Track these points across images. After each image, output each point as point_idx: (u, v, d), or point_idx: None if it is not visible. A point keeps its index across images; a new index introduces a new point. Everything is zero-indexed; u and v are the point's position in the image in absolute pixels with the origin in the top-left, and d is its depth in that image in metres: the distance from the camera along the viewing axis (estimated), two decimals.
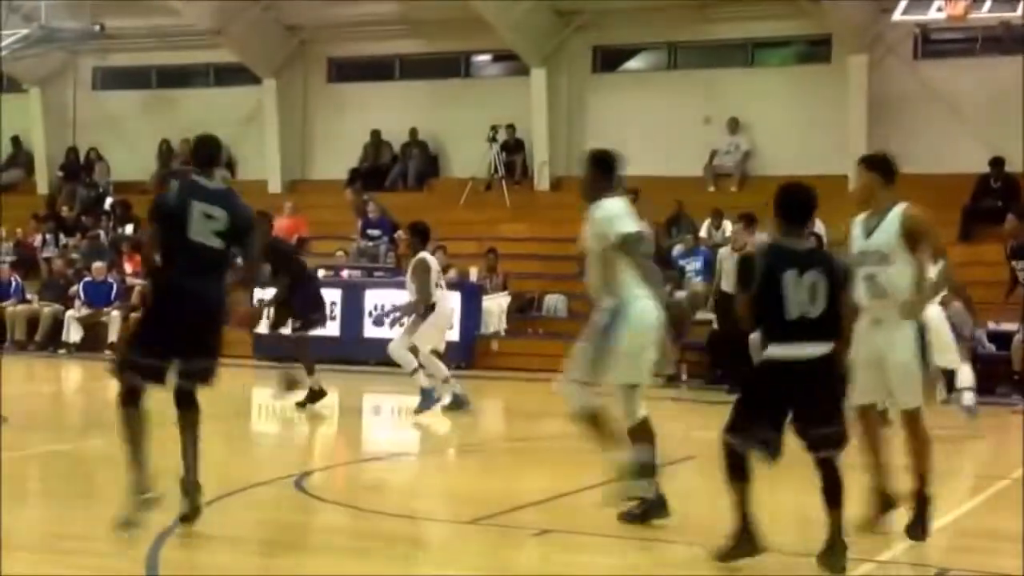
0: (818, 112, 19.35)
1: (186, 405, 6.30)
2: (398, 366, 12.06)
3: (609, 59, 21.36)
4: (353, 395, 14.01)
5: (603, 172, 6.82)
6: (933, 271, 6.79)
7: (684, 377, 15.36)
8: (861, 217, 6.61)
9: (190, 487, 6.31)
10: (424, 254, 11.95)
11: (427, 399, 11.80)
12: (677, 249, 17.58)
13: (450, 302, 12.64)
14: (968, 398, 11.04)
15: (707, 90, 20.05)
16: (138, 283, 19.39)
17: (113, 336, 18.41)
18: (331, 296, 16.34)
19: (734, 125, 19.81)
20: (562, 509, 7.66)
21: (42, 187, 24.04)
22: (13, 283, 19.71)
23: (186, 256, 6.09)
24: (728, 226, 17.60)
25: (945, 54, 19.52)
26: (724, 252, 15.32)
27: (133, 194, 22.35)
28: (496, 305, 17.61)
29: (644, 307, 6.70)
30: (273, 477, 8.54)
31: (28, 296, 19.72)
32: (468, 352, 17.06)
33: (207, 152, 6.58)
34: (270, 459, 10.42)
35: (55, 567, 5.91)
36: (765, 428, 5.83)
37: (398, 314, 12.35)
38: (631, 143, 20.16)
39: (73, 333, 18.80)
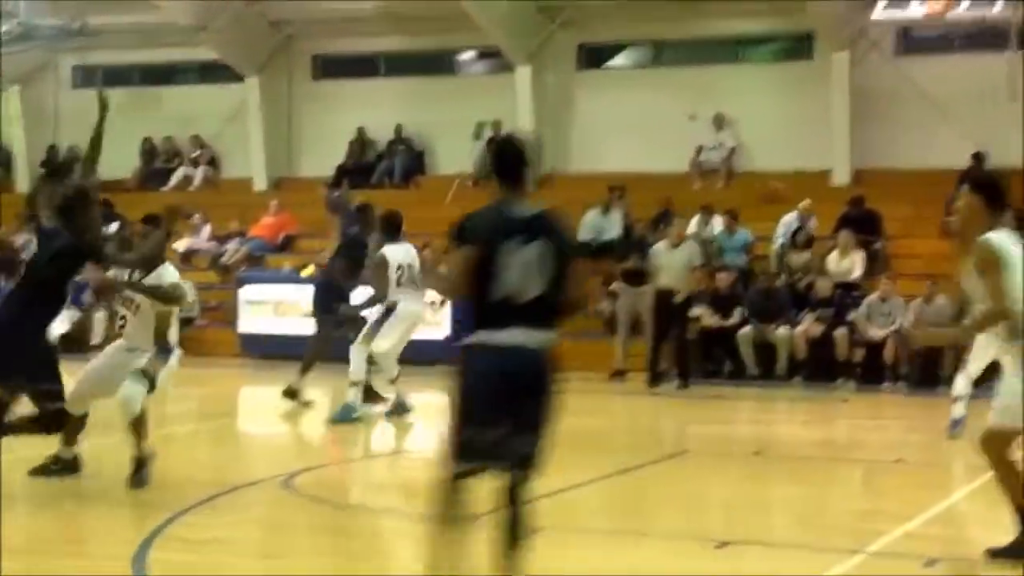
0: (802, 108, 19.39)
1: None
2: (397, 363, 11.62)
3: (594, 56, 21.36)
4: (344, 393, 13.94)
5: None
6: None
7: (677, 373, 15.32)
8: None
9: None
10: (385, 249, 11.08)
11: (347, 411, 11.13)
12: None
13: (416, 302, 11.24)
14: None
15: (692, 87, 20.08)
16: None
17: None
18: None
19: (720, 121, 19.85)
20: (556, 506, 7.65)
21: (22, 186, 23.90)
22: None
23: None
24: (718, 222, 17.62)
25: (926, 50, 19.58)
26: (661, 247, 15.03)
27: (115, 193, 22.25)
28: None
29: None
30: (263, 477, 8.53)
31: None
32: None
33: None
34: (260, 459, 10.40)
35: (44, 569, 5.89)
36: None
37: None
38: (617, 140, 20.34)
39: (57, 330, 18.60)
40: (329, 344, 12.17)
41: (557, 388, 4.83)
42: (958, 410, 10.62)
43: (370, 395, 11.70)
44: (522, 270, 4.73)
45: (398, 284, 10.95)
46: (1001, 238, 5.96)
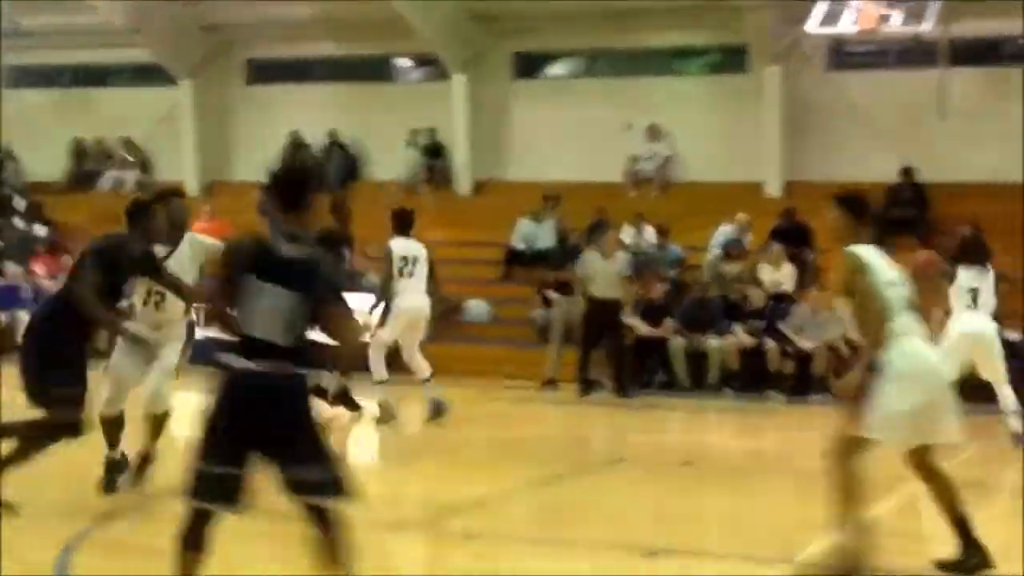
0: (735, 121, 19.59)
1: None
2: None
3: (530, 65, 21.44)
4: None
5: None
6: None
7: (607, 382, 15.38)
8: None
9: None
10: (391, 242, 11.63)
11: (438, 408, 11.67)
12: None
13: (416, 297, 11.65)
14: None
15: (627, 97, 20.21)
16: (50, 284, 19.06)
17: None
18: None
19: (654, 132, 20.00)
20: (488, 513, 7.69)
21: None
22: None
23: None
24: (649, 231, 17.76)
25: (858, 66, 19.88)
26: (592, 256, 15.01)
27: (47, 194, 21.97)
28: None
29: None
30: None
31: None
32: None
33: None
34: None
35: None
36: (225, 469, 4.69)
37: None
38: (552, 149, 20.41)
39: None
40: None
41: (310, 417, 4.73)
42: None
43: (347, 402, 11.82)
44: (270, 312, 4.67)
45: (399, 275, 11.47)
46: (866, 249, 6.19)
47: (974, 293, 11.11)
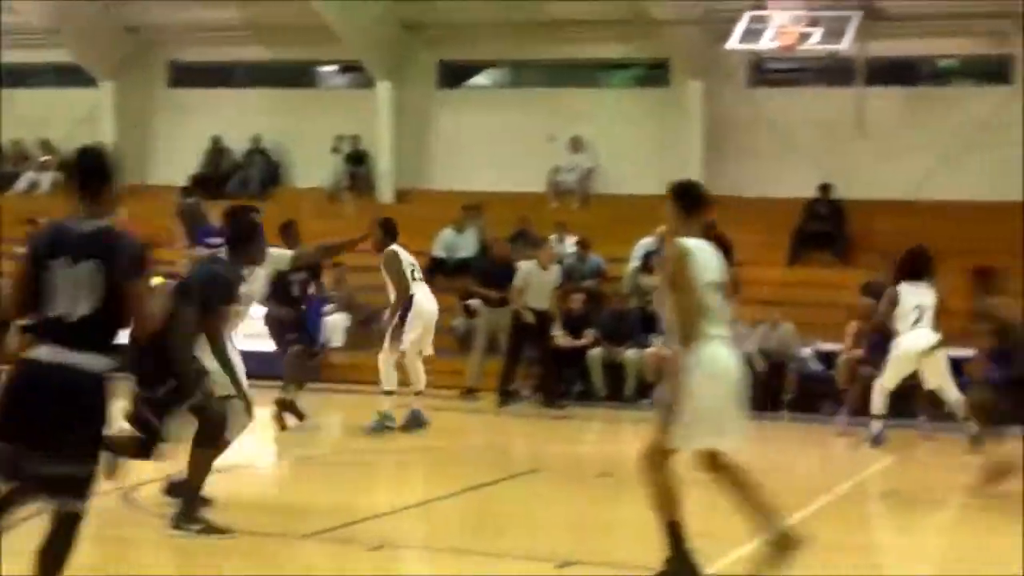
0: (657, 134, 19.76)
1: None
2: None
3: (455, 74, 21.48)
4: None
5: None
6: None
7: (526, 392, 15.44)
8: None
9: None
10: (394, 247, 11.66)
11: (380, 423, 11.62)
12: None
13: (430, 299, 11.81)
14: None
15: (551, 109, 20.31)
16: None
17: None
18: None
19: (576, 143, 20.10)
20: (399, 523, 7.66)
21: None
22: None
23: None
24: (571, 241, 17.85)
25: (778, 82, 20.18)
26: (530, 266, 15.01)
27: None
28: (338, 319, 17.42)
29: None
30: (104, 489, 8.31)
31: None
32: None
33: None
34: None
35: None
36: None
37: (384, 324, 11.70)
38: (476, 158, 20.44)
39: None
40: (304, 364, 12.25)
41: (101, 413, 4.72)
42: (876, 426, 11.49)
43: (292, 409, 11.75)
44: (70, 289, 4.67)
45: (412, 279, 11.53)
46: (695, 243, 6.09)
47: (919, 310, 11.31)
